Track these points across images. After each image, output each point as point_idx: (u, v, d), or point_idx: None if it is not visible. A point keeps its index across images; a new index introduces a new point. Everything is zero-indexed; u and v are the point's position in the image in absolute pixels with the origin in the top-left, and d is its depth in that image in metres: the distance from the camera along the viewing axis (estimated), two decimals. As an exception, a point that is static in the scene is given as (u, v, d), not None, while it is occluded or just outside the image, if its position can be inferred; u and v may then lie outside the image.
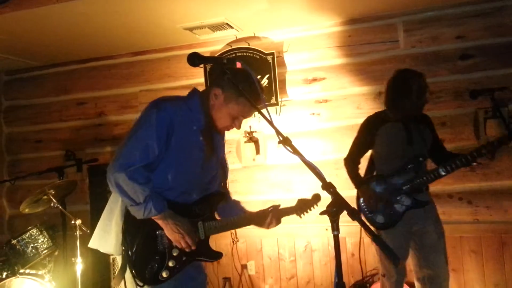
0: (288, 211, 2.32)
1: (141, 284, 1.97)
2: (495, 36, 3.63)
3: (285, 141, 1.75)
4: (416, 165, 2.88)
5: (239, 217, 2.25)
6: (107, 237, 2.06)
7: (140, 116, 2.03)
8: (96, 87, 4.72)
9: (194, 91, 2.17)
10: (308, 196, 2.35)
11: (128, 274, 2.01)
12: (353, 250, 3.95)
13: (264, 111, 1.83)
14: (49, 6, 3.21)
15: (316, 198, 2.33)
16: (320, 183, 1.63)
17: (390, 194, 2.90)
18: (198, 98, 2.12)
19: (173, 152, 2.02)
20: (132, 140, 1.97)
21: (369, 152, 3.14)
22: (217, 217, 2.26)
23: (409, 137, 2.90)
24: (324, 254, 4.03)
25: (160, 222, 2.01)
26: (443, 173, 2.81)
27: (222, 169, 2.33)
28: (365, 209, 2.99)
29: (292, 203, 4.15)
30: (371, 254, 3.89)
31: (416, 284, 2.99)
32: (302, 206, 2.32)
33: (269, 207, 2.29)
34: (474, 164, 2.78)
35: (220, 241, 4.12)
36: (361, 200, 3.03)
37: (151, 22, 3.66)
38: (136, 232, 2.00)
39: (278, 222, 2.31)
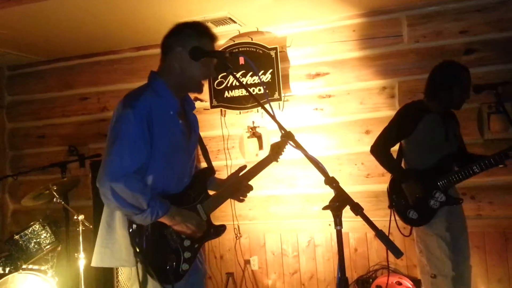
0: (268, 161, 2.39)
1: (169, 286, 1.93)
2: (498, 31, 3.62)
3: (288, 136, 1.75)
4: (452, 161, 2.87)
5: (227, 186, 2.28)
6: (109, 253, 1.98)
7: (115, 120, 1.90)
8: (99, 82, 4.71)
9: (152, 74, 2.07)
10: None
11: (151, 283, 1.94)
12: (357, 245, 3.95)
13: (267, 106, 1.82)
14: (52, 1, 3.20)
15: (287, 136, 1.88)
16: (323, 178, 1.64)
17: (426, 190, 2.86)
18: (160, 79, 2.03)
19: (159, 145, 1.95)
20: (117, 146, 1.84)
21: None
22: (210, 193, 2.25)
23: (446, 132, 2.88)
24: (327, 250, 4.03)
25: (168, 222, 1.96)
26: (477, 171, 2.80)
27: (201, 143, 2.32)
28: (399, 204, 2.95)
29: (296, 198, 4.17)
30: (375, 249, 3.89)
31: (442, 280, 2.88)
32: (277, 150, 2.41)
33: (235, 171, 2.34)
34: (502, 165, 2.77)
35: (223, 236, 4.06)
36: (394, 196, 2.97)
37: (154, 17, 3.65)
38: (146, 240, 1.93)
39: (248, 186, 2.34)
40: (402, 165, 3.09)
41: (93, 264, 2.03)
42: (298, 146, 1.73)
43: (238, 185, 2.29)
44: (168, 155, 2.01)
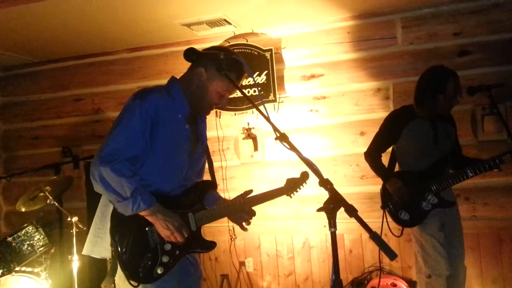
0: (278, 193, 2.22)
1: (135, 284, 1.92)
2: (492, 33, 3.64)
3: (282, 138, 1.76)
4: (444, 164, 2.89)
5: (219, 208, 2.15)
6: (100, 242, 2.01)
7: (123, 109, 1.98)
8: (93, 83, 4.69)
9: (173, 79, 2.15)
10: (297, 175, 2.24)
11: (120, 275, 1.95)
12: (351, 246, 3.96)
13: (261, 107, 1.82)
14: (46, 2, 3.18)
15: (305, 176, 2.19)
16: (318, 180, 1.64)
17: (418, 192, 2.88)
18: (179, 85, 2.09)
19: (160, 143, 1.98)
20: (116, 132, 1.91)
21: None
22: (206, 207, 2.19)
23: (435, 136, 2.90)
24: (322, 251, 4.03)
25: (149, 217, 1.95)
26: (470, 175, 2.83)
27: (208, 157, 2.33)
28: (391, 205, 2.97)
29: (291, 199, 4.17)
30: (369, 251, 3.89)
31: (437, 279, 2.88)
32: (292, 186, 2.23)
33: (241, 194, 2.19)
34: (497, 170, 2.78)
35: (218, 237, 4.11)
36: (387, 197, 2.99)
37: (149, 18, 3.65)
38: (124, 231, 1.94)
39: (250, 212, 2.20)
40: (396, 168, 3.11)
41: (84, 252, 2.07)
42: (292, 148, 1.73)
43: (240, 206, 2.16)
44: (167, 155, 2.02)
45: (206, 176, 2.33)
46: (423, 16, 3.80)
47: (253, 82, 4.00)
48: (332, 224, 1.56)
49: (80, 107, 4.74)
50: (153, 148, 1.98)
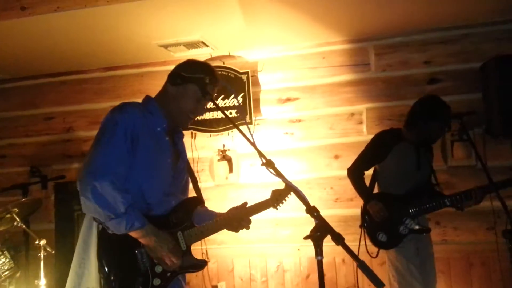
0: (264, 205, 2.23)
1: None
2: (460, 62, 3.78)
3: (268, 164, 1.76)
4: (423, 190, 2.96)
5: (215, 221, 2.15)
6: (87, 274, 1.90)
7: (103, 123, 1.95)
8: (65, 102, 4.60)
9: (147, 97, 2.14)
10: (281, 186, 2.21)
11: None
12: (325, 270, 3.95)
13: (247, 132, 1.82)
14: (20, 19, 3.13)
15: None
16: (304, 207, 1.63)
17: (397, 215, 2.92)
18: (154, 101, 2.10)
19: (142, 158, 1.94)
20: (101, 145, 1.87)
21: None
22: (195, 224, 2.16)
23: (418, 162, 2.98)
24: (296, 274, 4.00)
25: (141, 239, 1.89)
26: (448, 203, 2.93)
27: (190, 173, 2.30)
28: (370, 226, 3.00)
29: (266, 222, 4.15)
30: (343, 274, 3.90)
31: None
32: (278, 197, 2.23)
33: (238, 206, 2.22)
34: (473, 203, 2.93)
35: (190, 261, 4.03)
36: (367, 217, 3.02)
37: (127, 37, 3.63)
38: (113, 254, 1.88)
39: (247, 221, 2.21)
40: (376, 189, 3.16)
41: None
42: (278, 174, 1.74)
43: (234, 219, 2.17)
44: (150, 170, 1.99)
45: (191, 194, 2.29)
46: (395, 44, 3.93)
47: (235, 103, 4.01)
48: (319, 252, 1.55)
49: (50, 125, 4.64)
50: (135, 163, 1.93)
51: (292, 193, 2.05)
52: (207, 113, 4.11)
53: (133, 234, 1.87)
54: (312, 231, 1.56)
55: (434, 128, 2.95)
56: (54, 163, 4.54)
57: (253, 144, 1.79)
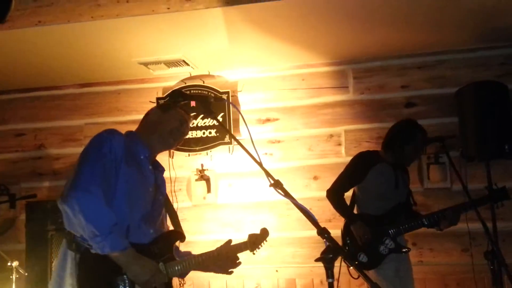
0: (242, 247, 2.26)
1: None
2: (437, 87, 3.90)
3: (276, 184, 1.72)
4: (401, 210, 2.99)
5: (198, 259, 2.17)
6: None
7: (91, 140, 1.98)
8: (37, 118, 4.46)
9: (128, 131, 2.19)
10: (257, 231, 2.33)
11: None
12: (303, 292, 3.92)
13: (253, 152, 1.80)
14: (-1, 32, 3.04)
15: (265, 232, 2.32)
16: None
17: (377, 235, 2.95)
18: (135, 134, 2.16)
19: (124, 182, 1.94)
20: (88, 161, 1.89)
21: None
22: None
23: (396, 182, 3.04)
24: (274, 296, 3.95)
25: (123, 262, 1.83)
26: (426, 223, 3.01)
27: (170, 208, 2.29)
28: (350, 247, 3.01)
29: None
30: (322, 296, 3.88)
31: None
32: (255, 241, 2.28)
33: (221, 245, 2.24)
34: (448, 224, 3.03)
35: (166, 283, 3.92)
36: (347, 238, 3.04)
37: (107, 54, 3.57)
38: (95, 282, 1.83)
39: (234, 263, 2.25)
40: (355, 210, 3.19)
41: None
42: (287, 195, 1.72)
43: (220, 257, 2.20)
44: (132, 195, 1.97)
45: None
46: (373, 68, 4.02)
47: (214, 123, 4.03)
48: (330, 274, 1.53)
49: (20, 142, 4.47)
50: (117, 187, 1.92)
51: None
52: (186, 132, 4.06)
53: (115, 255, 1.82)
54: (323, 253, 1.54)
55: (410, 150, 3.05)
56: (23, 181, 4.37)
57: (260, 164, 1.77)
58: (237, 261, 2.25)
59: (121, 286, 1.86)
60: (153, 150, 2.15)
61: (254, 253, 2.27)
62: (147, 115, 2.22)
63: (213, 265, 2.20)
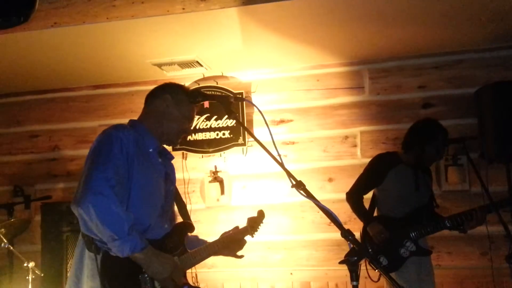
0: (244, 232, 2.38)
1: None
2: (454, 87, 3.83)
3: (298, 185, 1.68)
4: (423, 213, 2.92)
5: (206, 247, 2.20)
6: None
7: (98, 140, 1.91)
8: (51, 120, 4.48)
9: (132, 121, 2.12)
10: (254, 214, 2.49)
11: None
12: (318, 295, 3.88)
13: (275, 153, 1.79)
14: (13, 34, 3.03)
15: (261, 214, 2.47)
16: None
17: (397, 238, 2.90)
18: (141, 124, 2.08)
19: (138, 179, 1.91)
20: (100, 162, 1.81)
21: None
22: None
23: (416, 184, 2.98)
24: (289, 300, 3.92)
25: (143, 261, 1.80)
26: (448, 225, 2.93)
27: (179, 198, 2.28)
28: (370, 250, 2.95)
29: (257, 245, 4.06)
30: (337, 300, 3.83)
31: None
32: (253, 225, 2.40)
33: (225, 233, 2.35)
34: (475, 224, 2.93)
35: (179, 286, 3.91)
36: (367, 241, 2.98)
37: (120, 55, 3.57)
38: (118, 285, 1.80)
39: (240, 244, 2.37)
40: (375, 213, 3.13)
41: None
42: (309, 195, 1.68)
43: (228, 243, 2.28)
44: (147, 191, 1.95)
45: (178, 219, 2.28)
46: (389, 68, 3.96)
47: (228, 124, 4.02)
48: (354, 277, 1.49)
49: (35, 144, 4.49)
50: (131, 184, 1.89)
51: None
52: (199, 134, 4.05)
53: (136, 255, 1.78)
54: (347, 255, 1.50)
55: (431, 151, 2.98)
56: (38, 183, 4.39)
57: (282, 165, 1.74)
58: (244, 244, 2.38)
59: (143, 285, 1.85)
60: (160, 141, 2.11)
61: (253, 236, 2.41)
62: (154, 97, 2.12)
63: (222, 249, 2.28)
